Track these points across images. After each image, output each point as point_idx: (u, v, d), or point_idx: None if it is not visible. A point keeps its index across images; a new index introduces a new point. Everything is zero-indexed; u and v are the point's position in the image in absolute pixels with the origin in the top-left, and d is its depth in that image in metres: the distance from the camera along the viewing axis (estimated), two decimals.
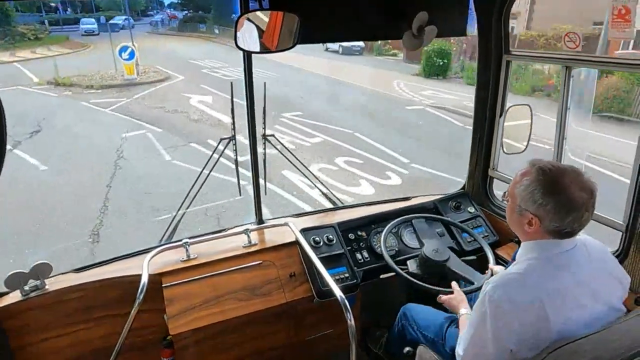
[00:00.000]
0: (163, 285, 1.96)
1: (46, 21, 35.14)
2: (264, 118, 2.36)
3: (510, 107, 2.32)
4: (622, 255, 1.79)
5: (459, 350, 1.42)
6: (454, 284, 1.84)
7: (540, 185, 1.25)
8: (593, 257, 1.33)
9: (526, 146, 2.31)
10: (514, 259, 1.45)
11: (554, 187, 1.23)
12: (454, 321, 1.82)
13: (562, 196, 1.22)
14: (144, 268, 1.89)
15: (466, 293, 1.80)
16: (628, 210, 1.74)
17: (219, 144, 2.36)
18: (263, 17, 1.60)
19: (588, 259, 1.31)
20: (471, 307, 1.50)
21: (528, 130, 2.31)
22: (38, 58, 21.68)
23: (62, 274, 2.05)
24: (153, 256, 1.99)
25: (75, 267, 2.09)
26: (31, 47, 24.79)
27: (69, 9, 42.17)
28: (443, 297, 1.79)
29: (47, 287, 1.93)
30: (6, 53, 22.97)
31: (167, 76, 17.11)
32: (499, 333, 1.27)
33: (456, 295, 1.77)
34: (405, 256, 2.18)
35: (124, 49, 15.33)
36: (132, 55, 15.34)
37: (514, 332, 1.25)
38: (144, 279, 1.83)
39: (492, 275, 1.85)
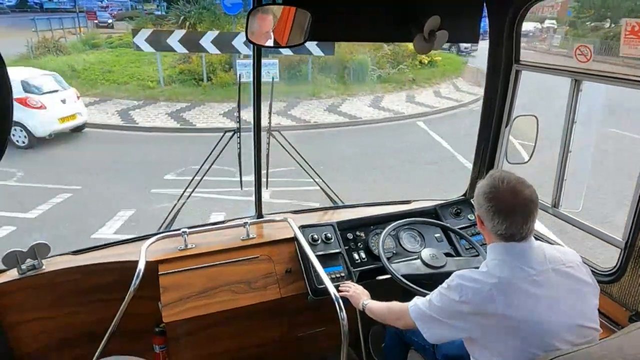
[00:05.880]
0: (159, 273, 1.97)
1: None
2: (270, 112, 2.37)
3: (517, 117, 2.31)
4: (619, 272, 1.78)
5: (411, 303, 1.54)
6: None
7: (484, 190, 1.39)
8: (549, 261, 1.36)
9: (530, 156, 2.29)
10: None
11: (491, 193, 1.36)
12: None
13: (495, 201, 1.35)
14: (141, 254, 1.90)
15: None
16: (628, 227, 1.73)
17: (222, 136, 2.36)
18: (275, 11, 1.61)
19: (543, 261, 1.35)
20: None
21: (533, 141, 2.29)
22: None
23: (60, 255, 2.06)
24: (151, 243, 1.99)
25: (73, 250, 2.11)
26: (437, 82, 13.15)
27: None
28: (342, 293, 1.86)
29: (44, 267, 1.95)
30: (399, 94, 12.09)
31: None
32: (440, 311, 1.39)
33: (356, 289, 1.90)
34: (403, 259, 2.18)
35: None
36: None
37: (455, 314, 1.35)
38: (141, 265, 1.84)
39: None
